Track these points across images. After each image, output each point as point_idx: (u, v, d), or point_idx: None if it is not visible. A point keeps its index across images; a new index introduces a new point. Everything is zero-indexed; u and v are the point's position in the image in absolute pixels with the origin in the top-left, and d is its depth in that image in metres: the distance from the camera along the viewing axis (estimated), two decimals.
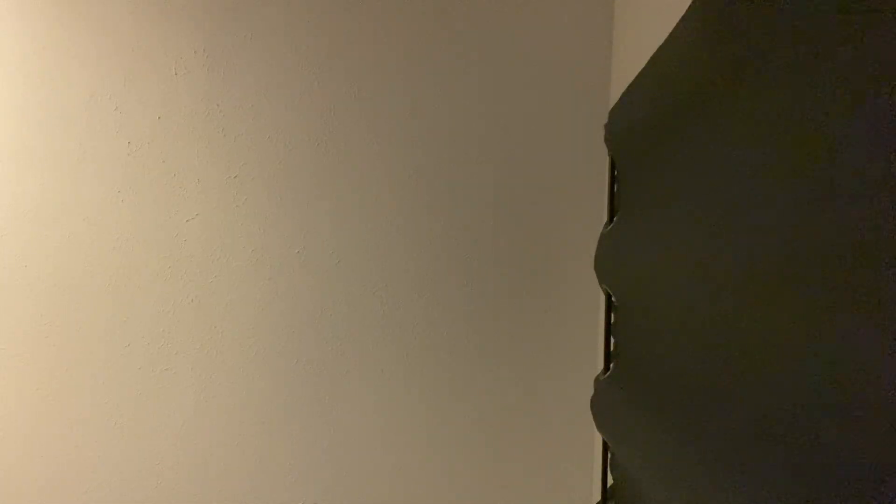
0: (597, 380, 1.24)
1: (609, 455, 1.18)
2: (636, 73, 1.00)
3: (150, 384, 1.32)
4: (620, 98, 1.12)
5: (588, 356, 1.33)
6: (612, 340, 1.19)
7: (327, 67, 1.31)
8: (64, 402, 1.31)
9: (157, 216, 1.31)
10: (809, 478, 0.46)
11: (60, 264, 1.30)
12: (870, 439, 0.39)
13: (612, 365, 1.17)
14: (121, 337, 1.31)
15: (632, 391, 0.98)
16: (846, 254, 0.42)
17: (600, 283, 1.23)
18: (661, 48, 0.86)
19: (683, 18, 0.76)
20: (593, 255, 1.28)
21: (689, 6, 0.74)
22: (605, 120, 1.29)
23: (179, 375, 1.32)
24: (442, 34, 1.31)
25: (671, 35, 0.81)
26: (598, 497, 1.21)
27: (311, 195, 1.32)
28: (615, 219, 1.16)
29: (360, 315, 1.33)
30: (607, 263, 1.17)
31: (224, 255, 1.31)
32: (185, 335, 1.32)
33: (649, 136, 0.93)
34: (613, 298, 1.16)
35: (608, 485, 1.19)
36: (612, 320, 1.19)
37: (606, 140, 1.25)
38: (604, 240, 1.21)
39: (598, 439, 1.26)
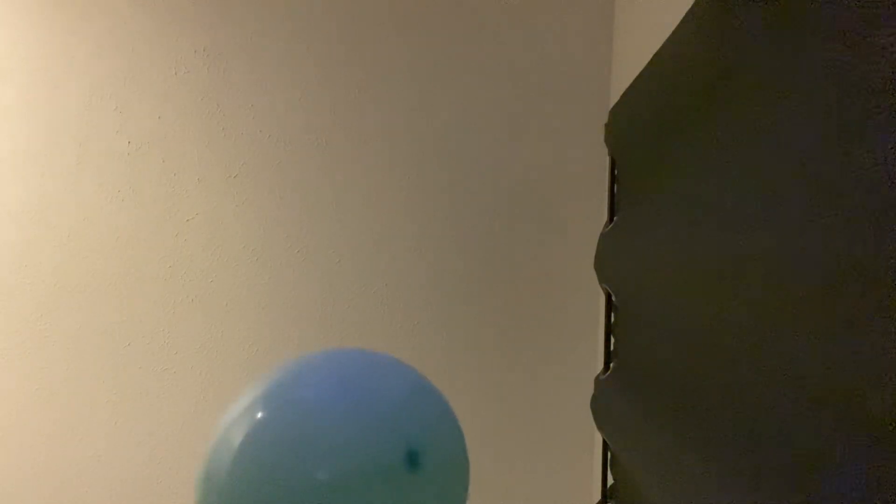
0: (597, 380, 1.24)
1: (609, 455, 1.18)
2: (636, 73, 1.00)
3: (150, 384, 1.32)
4: (620, 98, 1.12)
5: (588, 356, 1.33)
6: (612, 340, 1.19)
7: (328, 67, 1.31)
8: (64, 401, 1.31)
9: (157, 216, 1.31)
10: (809, 478, 0.46)
11: (60, 264, 1.30)
12: (870, 440, 0.39)
13: (612, 365, 1.17)
14: (121, 337, 1.31)
15: (631, 391, 0.98)
16: (847, 254, 0.42)
17: (600, 283, 1.23)
18: (661, 48, 0.86)
19: (684, 19, 0.76)
20: (593, 255, 1.28)
21: (691, 7, 0.74)
22: (605, 120, 1.29)
23: (179, 375, 1.32)
24: (442, 34, 1.31)
25: (672, 35, 0.81)
26: (598, 497, 1.21)
27: (311, 194, 1.32)
28: (615, 219, 1.16)
29: (361, 314, 1.33)
30: (607, 263, 1.17)
31: (224, 255, 1.31)
32: (185, 335, 1.32)
33: (649, 136, 0.93)
34: (613, 298, 1.16)
35: (608, 485, 1.19)
36: (612, 320, 1.19)
37: (606, 140, 1.25)
38: (604, 240, 1.21)
39: (598, 439, 1.26)
